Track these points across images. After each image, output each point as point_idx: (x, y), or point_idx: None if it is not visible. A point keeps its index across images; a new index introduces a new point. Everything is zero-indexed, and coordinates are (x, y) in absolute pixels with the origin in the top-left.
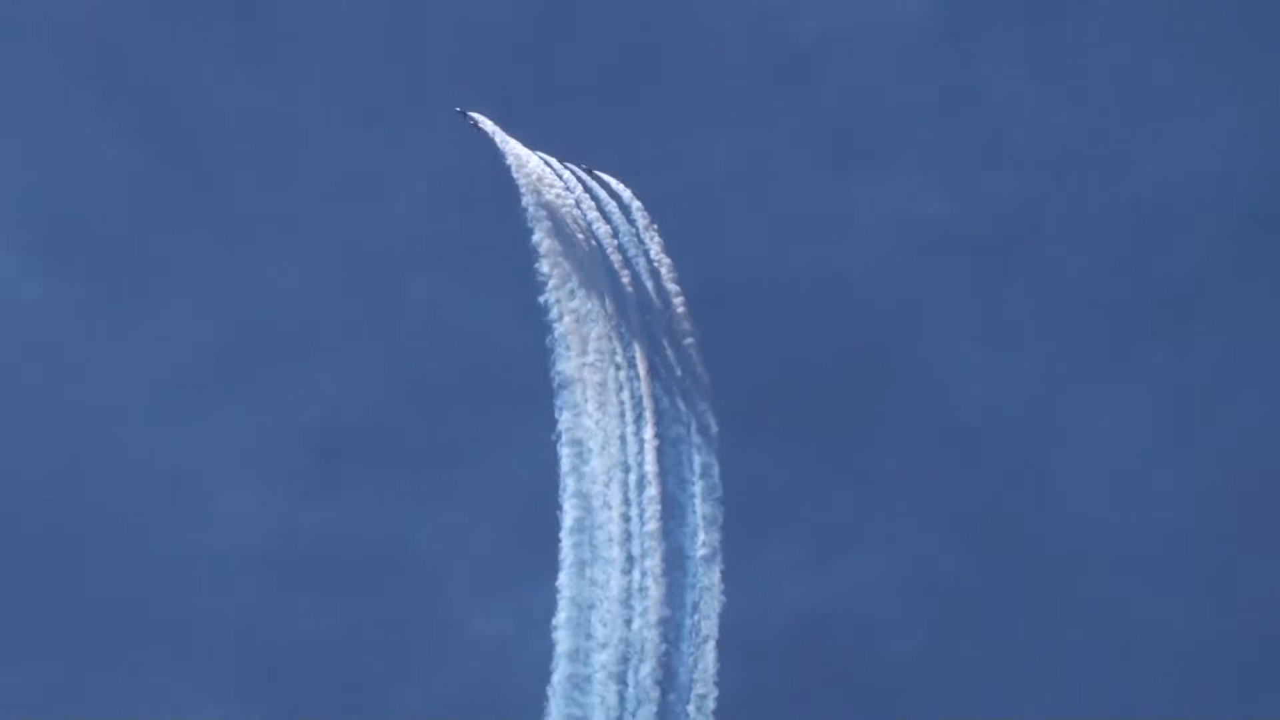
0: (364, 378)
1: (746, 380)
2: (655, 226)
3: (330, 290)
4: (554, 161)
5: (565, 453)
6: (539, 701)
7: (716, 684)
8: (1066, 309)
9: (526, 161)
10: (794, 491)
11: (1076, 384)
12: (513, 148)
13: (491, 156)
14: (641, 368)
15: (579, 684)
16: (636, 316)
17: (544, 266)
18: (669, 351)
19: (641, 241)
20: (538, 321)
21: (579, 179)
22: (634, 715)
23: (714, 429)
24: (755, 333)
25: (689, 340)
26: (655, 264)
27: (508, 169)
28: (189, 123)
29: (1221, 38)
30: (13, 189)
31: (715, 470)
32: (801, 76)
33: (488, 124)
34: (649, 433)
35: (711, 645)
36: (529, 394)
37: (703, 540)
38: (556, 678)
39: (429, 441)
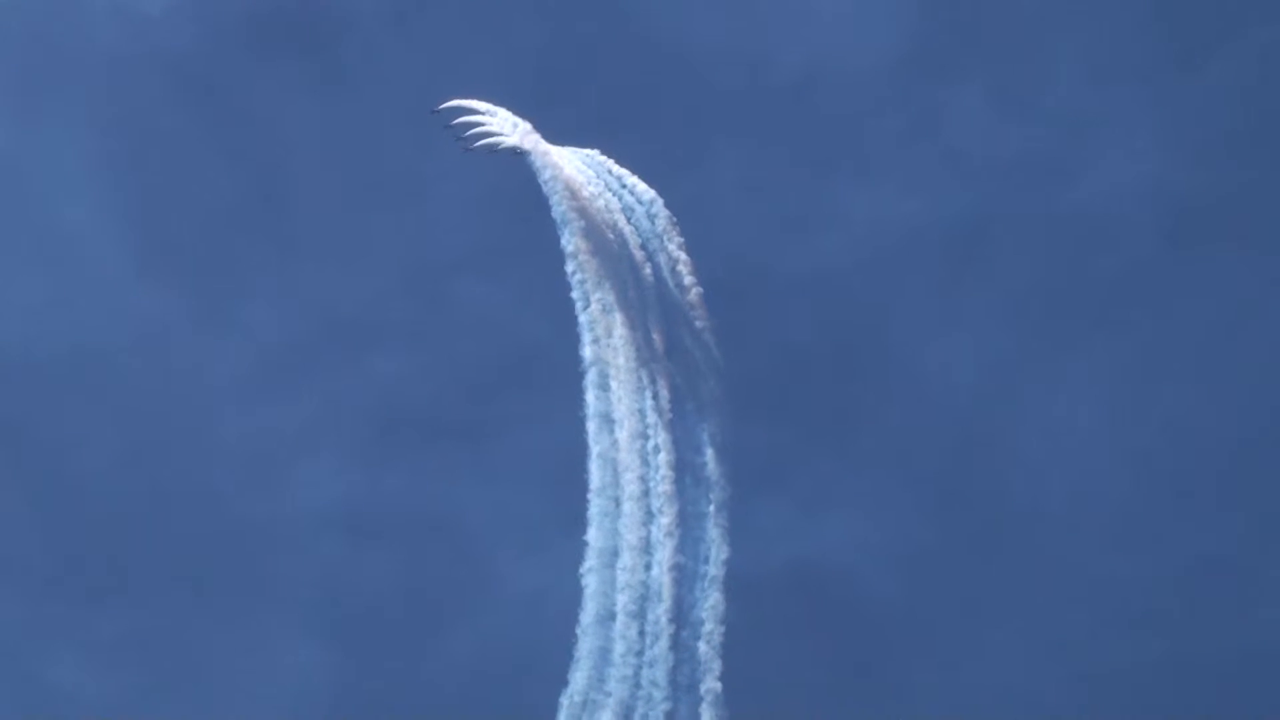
0: (420, 365)
1: (748, 362)
2: (676, 225)
3: (391, 291)
4: (582, 156)
5: (592, 426)
6: (570, 639)
7: (722, 622)
8: (1021, 300)
9: (559, 165)
10: (787, 459)
11: (1030, 366)
12: (541, 149)
13: (526, 168)
14: (659, 351)
15: (604, 622)
16: (656, 307)
17: (573, 264)
18: (684, 337)
19: (662, 239)
20: (568, 313)
21: (605, 182)
22: (651, 649)
23: (720, 404)
24: (755, 321)
25: (702, 327)
26: (675, 260)
27: (536, 176)
28: (270, 144)
29: (1151, 67)
30: (126, 205)
31: (720, 439)
32: (793, 100)
33: (477, 109)
34: (664, 408)
35: (717, 589)
36: (561, 377)
37: (709, 499)
38: (584, 618)
39: (475, 419)
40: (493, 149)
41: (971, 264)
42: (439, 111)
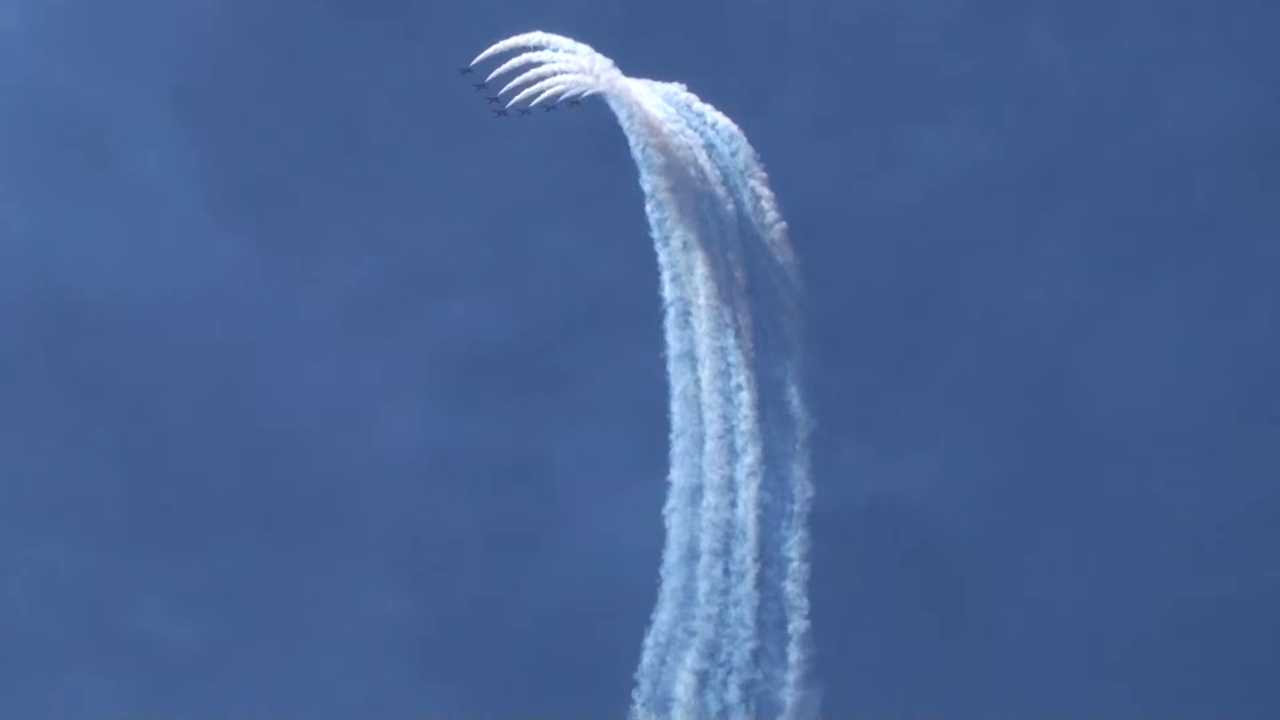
0: (500, 310)
1: (828, 300)
2: (759, 161)
3: (469, 236)
4: (663, 92)
5: (673, 366)
6: (654, 579)
7: (807, 560)
8: (1097, 237)
9: (638, 102)
10: (867, 396)
11: (1107, 303)
12: (620, 85)
13: (604, 107)
14: (741, 289)
15: (688, 562)
16: (738, 244)
17: (653, 203)
18: (766, 275)
19: (744, 175)
20: (648, 253)
21: (685, 119)
22: (736, 588)
23: (803, 342)
24: (834, 259)
25: (785, 264)
26: (757, 196)
27: (615, 114)
28: (347, 90)
29: (1227, 2)
30: (205, 156)
31: (803, 377)
32: (869, 38)
33: (527, 48)
34: (746, 346)
35: (802, 527)
36: (641, 317)
37: (792, 437)
38: (668, 557)
39: (556, 362)
40: (524, 107)
41: (1047, 202)
42: (469, 71)
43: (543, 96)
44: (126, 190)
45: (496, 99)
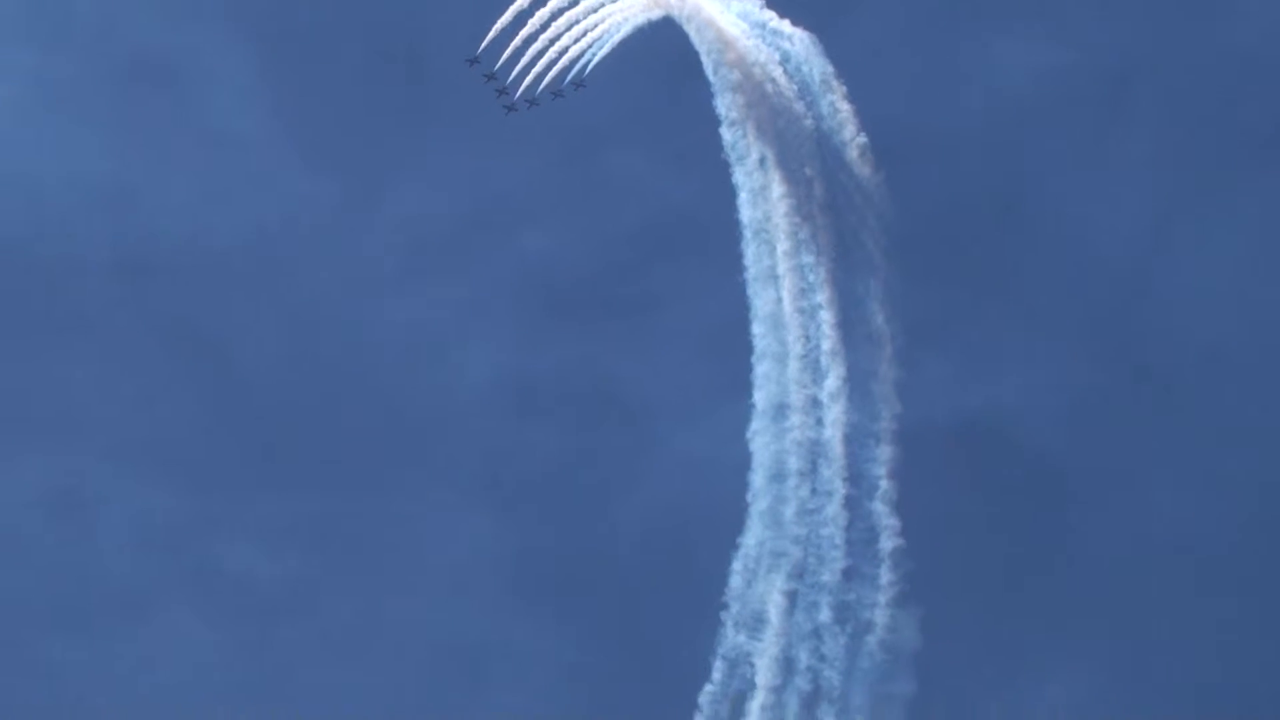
0: (575, 239)
1: (906, 217)
2: (837, 76)
3: (544, 166)
4: (736, 7)
5: (753, 288)
6: (740, 503)
7: (894, 478)
8: (1178, 145)
9: (710, 20)
10: (947, 313)
11: (1188, 212)
12: (691, 5)
13: (675, 27)
14: (820, 207)
15: (774, 484)
16: (816, 160)
17: (727, 122)
18: (845, 191)
19: (822, 89)
20: (723, 175)
21: (759, 34)
22: (823, 509)
23: (884, 259)
24: (912, 175)
25: (865, 180)
26: (836, 111)
27: (687, 34)
28: (420, 33)
29: None
30: (283, 100)
31: (884, 295)
32: None
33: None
34: (826, 264)
35: (889, 445)
36: (719, 240)
37: (875, 356)
38: (754, 480)
39: (634, 289)
40: (531, 96)
41: (1127, 109)
42: (476, 61)
43: (555, 70)
44: (203, 132)
45: (504, 90)
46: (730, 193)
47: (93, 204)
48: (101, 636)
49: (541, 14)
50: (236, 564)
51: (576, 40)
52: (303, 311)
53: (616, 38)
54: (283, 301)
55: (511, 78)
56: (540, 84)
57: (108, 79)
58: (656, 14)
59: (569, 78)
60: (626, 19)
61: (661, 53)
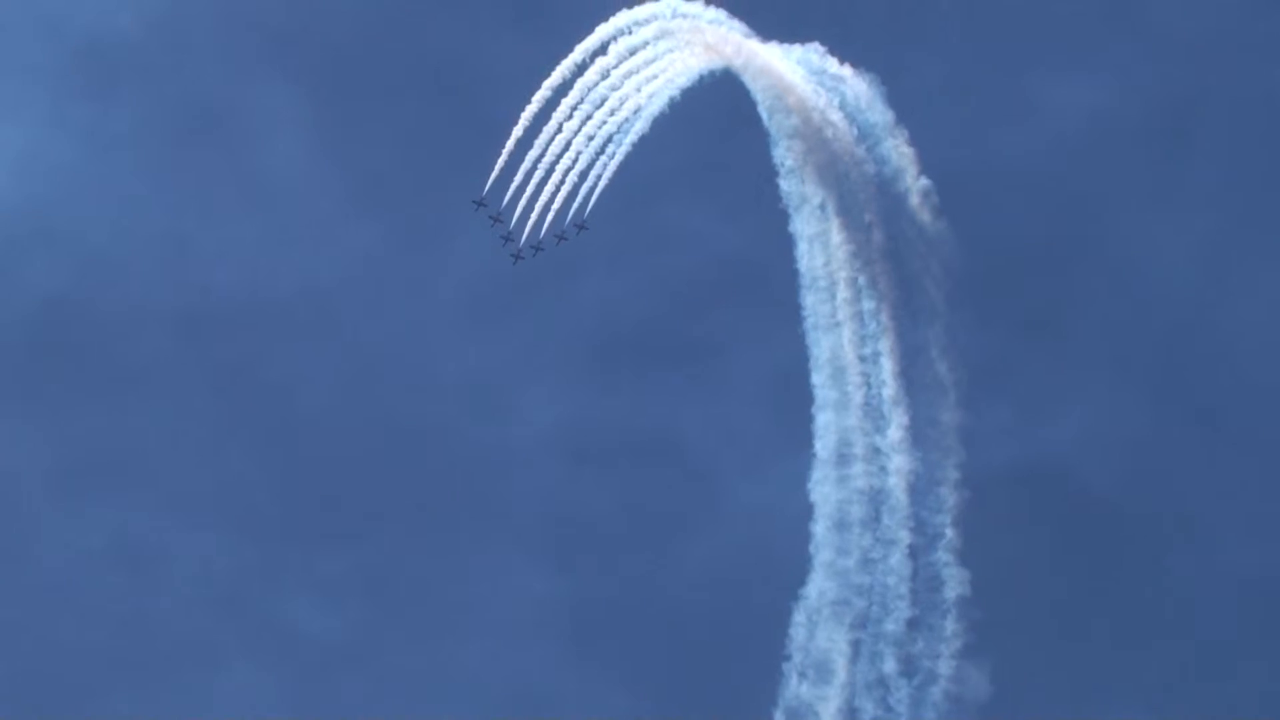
0: (632, 287)
1: (964, 260)
2: (897, 121)
3: (600, 215)
4: (796, 54)
5: (812, 336)
6: (802, 553)
7: (957, 526)
8: (1237, 183)
9: (769, 68)
10: (1005, 357)
11: (1248, 250)
12: (748, 51)
13: (732, 77)
14: (879, 254)
15: (837, 533)
16: (876, 206)
17: (785, 170)
18: (905, 237)
19: (883, 134)
20: (781, 223)
21: (819, 79)
22: (886, 558)
23: (944, 305)
24: (969, 218)
25: (925, 226)
26: (898, 156)
27: (745, 83)
28: (471, 72)
29: None
30: (338, 151)
31: (945, 341)
32: None
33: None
34: (886, 312)
35: (951, 493)
36: (777, 288)
37: (937, 403)
38: (817, 530)
39: (692, 338)
40: (535, 242)
41: (1182, 148)
42: (483, 204)
43: (556, 208)
44: (259, 183)
45: (509, 238)
46: (788, 241)
47: (150, 256)
48: (164, 689)
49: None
50: (297, 615)
51: (624, 101)
52: (361, 361)
53: (657, 103)
54: (341, 351)
55: (517, 217)
56: (543, 227)
57: (163, 131)
58: (716, 64)
59: (573, 213)
60: (684, 71)
61: (719, 103)
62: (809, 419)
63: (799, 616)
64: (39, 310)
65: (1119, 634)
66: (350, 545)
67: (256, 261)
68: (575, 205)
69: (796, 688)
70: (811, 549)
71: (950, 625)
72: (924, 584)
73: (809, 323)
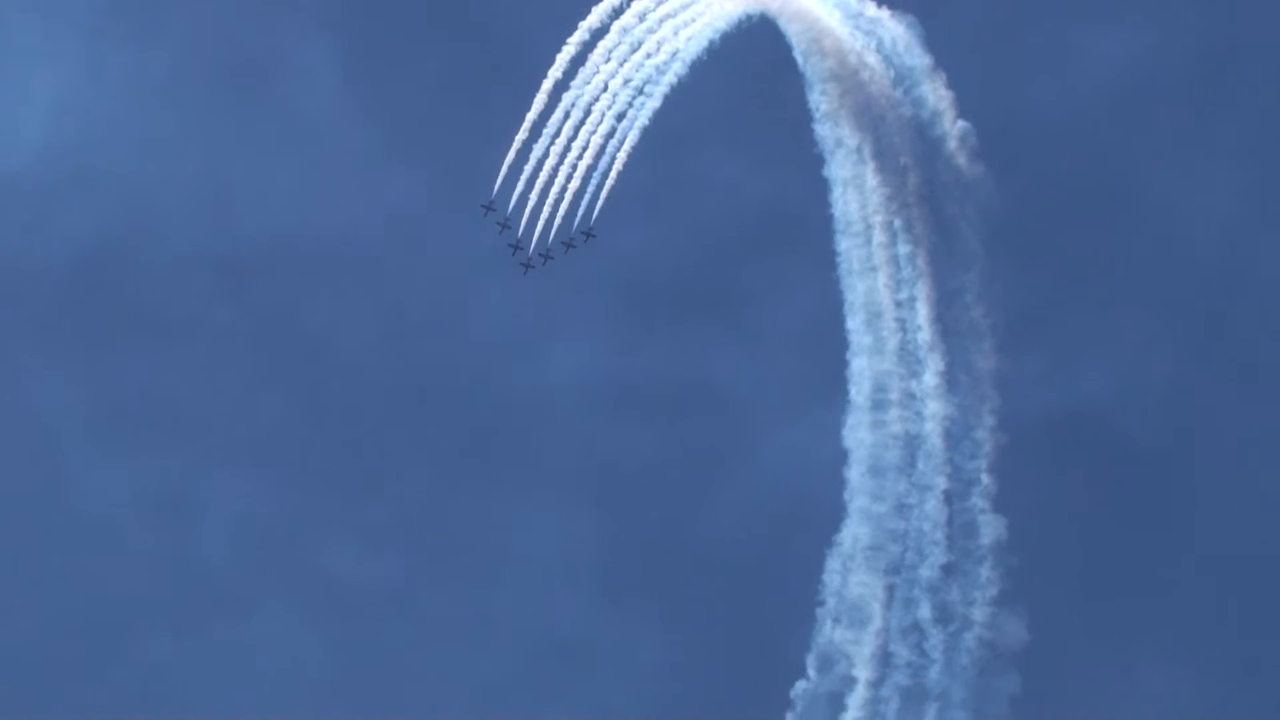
0: (669, 238)
1: (1001, 206)
2: (935, 63)
3: (633, 166)
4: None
5: (846, 282)
6: (838, 499)
7: (992, 472)
8: (1272, 133)
9: (804, 10)
10: (1043, 303)
11: None
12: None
13: (770, 24)
14: (915, 199)
15: (871, 479)
16: (912, 151)
17: (822, 117)
18: (942, 182)
19: (920, 77)
20: (815, 168)
21: (855, 21)
22: (922, 504)
23: (981, 250)
24: (1007, 163)
25: (963, 170)
26: (936, 99)
27: (779, 27)
28: (509, 31)
29: None
30: (375, 98)
31: (980, 287)
32: None
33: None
34: (922, 258)
35: (986, 439)
36: (812, 235)
37: (973, 349)
38: (851, 476)
39: (726, 286)
40: (543, 250)
41: (1221, 96)
42: (492, 208)
43: (558, 223)
44: (296, 129)
45: (518, 246)
46: (824, 186)
47: (187, 202)
48: (203, 636)
49: (572, 96)
50: (335, 562)
51: (661, 45)
52: (399, 308)
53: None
54: (379, 298)
55: (525, 223)
56: (551, 233)
57: (200, 77)
58: (753, 8)
59: (576, 224)
60: (721, 15)
61: (755, 48)
62: (844, 365)
63: (833, 562)
64: (76, 257)
65: (1156, 581)
66: (389, 492)
67: (294, 208)
68: (602, 166)
69: (830, 633)
70: (846, 495)
71: (986, 572)
72: (959, 530)
73: (844, 268)
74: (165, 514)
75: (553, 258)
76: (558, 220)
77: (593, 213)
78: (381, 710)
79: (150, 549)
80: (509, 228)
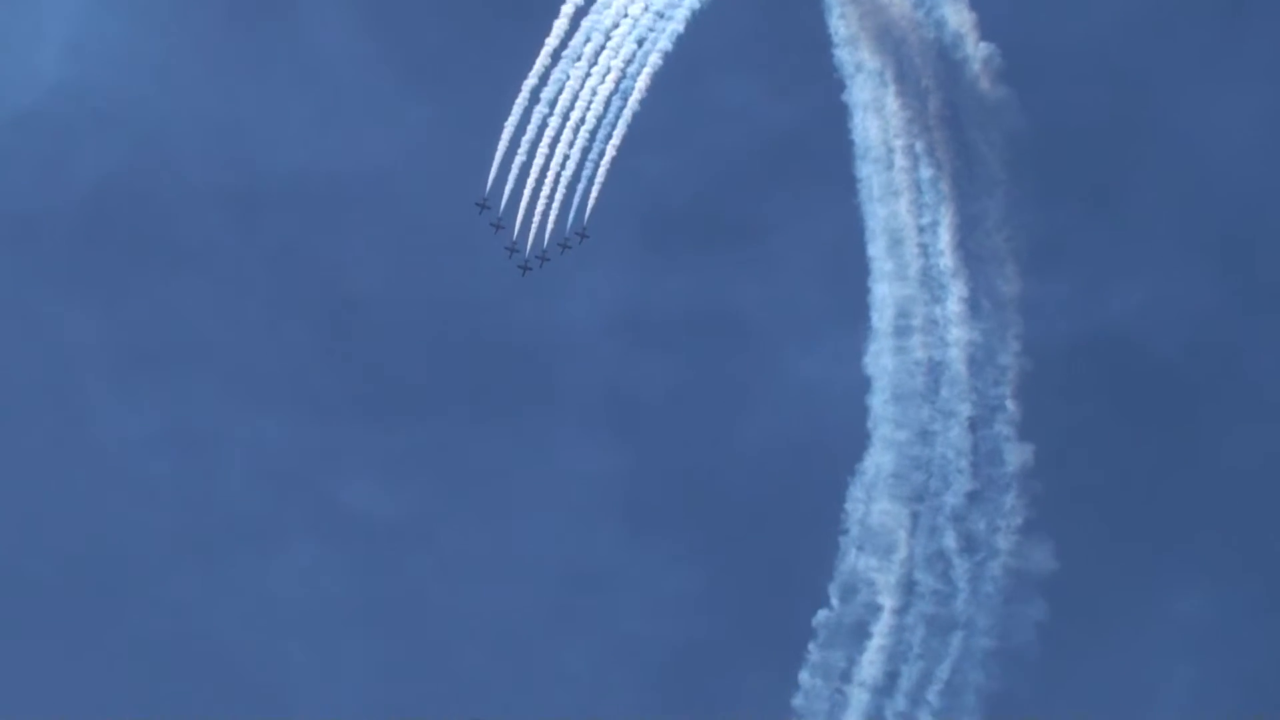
0: (687, 165)
1: (1024, 129)
2: None
3: (650, 90)
4: None
5: (867, 208)
6: (860, 427)
7: (1017, 398)
8: None
9: None
10: (1067, 229)
11: None
12: None
13: None
14: (936, 122)
15: (894, 406)
16: (934, 74)
17: (841, 40)
18: (965, 105)
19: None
20: (837, 95)
21: None
22: (946, 431)
23: (1002, 174)
24: (1033, 87)
25: (986, 93)
26: (958, 20)
27: None
28: None
29: None
30: (391, 30)
31: (1003, 211)
32: None
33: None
34: (944, 181)
35: (1010, 364)
36: (832, 160)
37: (995, 274)
38: (874, 403)
39: (746, 214)
40: (540, 252)
41: (1246, 18)
42: (486, 206)
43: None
44: (311, 63)
45: (515, 248)
46: (843, 112)
47: (203, 136)
48: (223, 571)
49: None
50: (355, 496)
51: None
52: (415, 239)
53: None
54: (396, 230)
55: (519, 223)
56: (546, 234)
57: (217, 12)
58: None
59: (569, 225)
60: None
61: None
62: (866, 291)
63: (856, 490)
64: (91, 192)
65: (1183, 507)
66: (408, 425)
67: (310, 141)
68: (623, 90)
69: (853, 562)
70: (869, 422)
71: (1011, 500)
72: (984, 457)
73: (865, 194)
74: (183, 450)
75: (549, 259)
76: (574, 154)
77: (609, 145)
78: (404, 646)
79: (168, 485)
80: (502, 228)
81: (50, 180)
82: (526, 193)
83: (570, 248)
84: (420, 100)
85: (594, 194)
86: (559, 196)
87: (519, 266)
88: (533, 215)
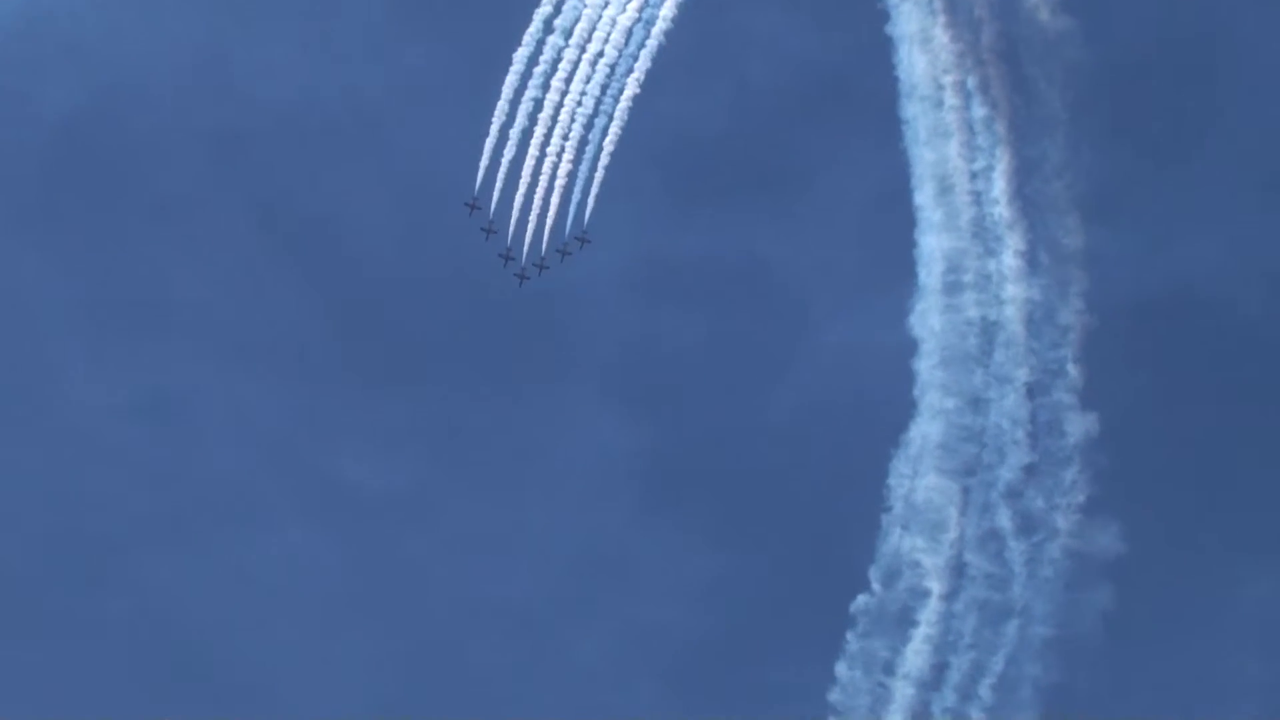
0: (714, 104)
1: (1089, 68)
2: None
3: (675, 21)
4: None
5: (914, 152)
6: (905, 394)
7: (1079, 362)
8: None
9: None
10: (1138, 177)
11: None
12: None
13: None
14: (990, 55)
15: (942, 372)
16: (986, 4)
17: None
18: (1023, 38)
19: None
20: (879, 27)
21: None
22: (1001, 399)
23: (1064, 116)
24: (1097, 20)
25: (1045, 24)
26: None
27: None
28: None
29: None
30: None
31: (1065, 157)
32: None
33: None
34: (1000, 123)
35: (1073, 325)
36: (875, 101)
37: (1055, 225)
38: (920, 368)
39: (779, 159)
40: (537, 260)
41: None
42: (477, 207)
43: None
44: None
45: (510, 256)
46: (887, 45)
47: (183, 71)
48: (203, 552)
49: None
50: (349, 467)
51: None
52: (412, 185)
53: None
54: (392, 174)
55: (513, 229)
56: (543, 240)
57: None
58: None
59: (569, 229)
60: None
61: None
62: (912, 244)
63: (900, 464)
64: (59, 132)
65: (1262, 485)
66: (407, 391)
67: (295, 78)
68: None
69: (897, 542)
70: (915, 389)
71: (1072, 475)
72: (1042, 428)
73: (910, 137)
74: (159, 418)
75: (548, 267)
76: (590, 92)
77: (629, 80)
78: (403, 635)
79: (143, 457)
80: (494, 232)
81: (10, 117)
82: (523, 184)
83: (570, 254)
84: (415, 37)
85: (605, 151)
86: (563, 175)
87: (515, 275)
88: (529, 210)
